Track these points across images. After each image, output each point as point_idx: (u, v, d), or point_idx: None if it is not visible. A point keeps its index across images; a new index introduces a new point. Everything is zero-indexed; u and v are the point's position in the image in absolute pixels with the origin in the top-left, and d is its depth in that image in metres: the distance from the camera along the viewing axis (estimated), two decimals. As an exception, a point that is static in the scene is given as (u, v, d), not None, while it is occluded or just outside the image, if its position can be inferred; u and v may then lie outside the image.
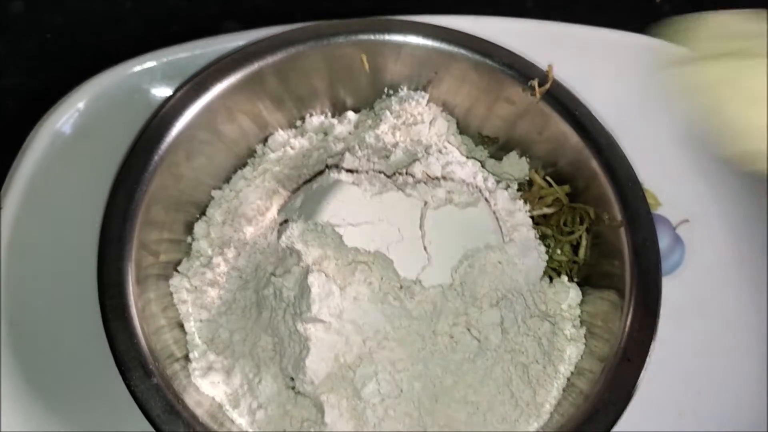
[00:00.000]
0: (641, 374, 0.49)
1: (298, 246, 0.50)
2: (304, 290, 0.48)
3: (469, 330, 0.50)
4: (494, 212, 0.55)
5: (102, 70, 0.66)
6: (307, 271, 0.49)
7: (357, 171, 0.54)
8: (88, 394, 0.57)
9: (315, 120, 0.64)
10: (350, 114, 0.64)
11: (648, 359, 0.50)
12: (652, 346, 0.50)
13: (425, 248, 0.49)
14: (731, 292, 0.67)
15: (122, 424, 0.55)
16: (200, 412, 0.48)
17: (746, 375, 0.64)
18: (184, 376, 0.51)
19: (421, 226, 0.49)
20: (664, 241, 0.64)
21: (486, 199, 0.55)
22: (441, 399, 0.50)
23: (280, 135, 0.64)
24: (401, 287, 0.49)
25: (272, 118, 0.64)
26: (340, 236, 0.49)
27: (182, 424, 0.46)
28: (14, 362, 0.56)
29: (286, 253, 0.52)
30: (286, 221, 0.53)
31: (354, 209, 0.50)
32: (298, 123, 0.65)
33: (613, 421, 0.48)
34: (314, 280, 0.48)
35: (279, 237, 0.52)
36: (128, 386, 0.47)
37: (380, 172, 0.54)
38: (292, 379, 0.51)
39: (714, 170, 0.73)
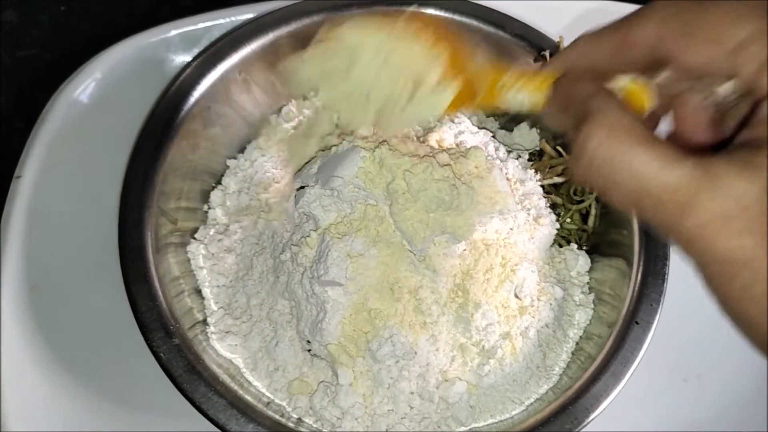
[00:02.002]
0: (648, 336, 0.51)
1: (315, 211, 0.51)
2: (321, 254, 0.49)
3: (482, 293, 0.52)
4: (507, 180, 0.56)
5: (115, 42, 0.66)
6: (324, 235, 0.50)
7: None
8: (109, 357, 0.58)
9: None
10: (363, 85, 0.65)
11: (655, 322, 0.51)
12: (659, 310, 0.51)
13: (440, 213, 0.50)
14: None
15: (142, 387, 0.57)
16: (220, 373, 0.49)
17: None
18: (204, 339, 0.53)
19: (435, 191, 0.49)
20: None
21: (499, 168, 0.56)
22: (455, 360, 0.52)
23: (293, 106, 0.65)
24: (416, 254, 0.51)
25: (285, 89, 0.64)
26: (356, 198, 0.50)
27: (203, 383, 0.47)
28: (36, 327, 0.57)
29: (302, 218, 0.53)
30: (302, 187, 0.54)
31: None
32: (311, 94, 0.66)
33: (620, 383, 0.50)
34: (331, 244, 0.49)
35: (296, 203, 0.53)
36: (150, 347, 0.48)
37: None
38: (309, 342, 0.53)
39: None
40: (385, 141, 0.52)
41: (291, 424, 0.49)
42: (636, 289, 0.53)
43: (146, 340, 0.48)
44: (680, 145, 0.30)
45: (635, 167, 0.28)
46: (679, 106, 0.34)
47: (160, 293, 0.50)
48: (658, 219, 0.29)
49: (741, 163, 0.27)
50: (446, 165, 0.51)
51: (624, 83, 0.34)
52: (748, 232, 0.26)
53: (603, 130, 0.29)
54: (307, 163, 0.59)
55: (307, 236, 0.51)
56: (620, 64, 0.34)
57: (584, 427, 0.48)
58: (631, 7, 0.74)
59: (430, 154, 0.51)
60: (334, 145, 0.56)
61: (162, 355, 0.48)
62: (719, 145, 0.32)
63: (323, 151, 0.57)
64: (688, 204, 0.27)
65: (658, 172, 0.28)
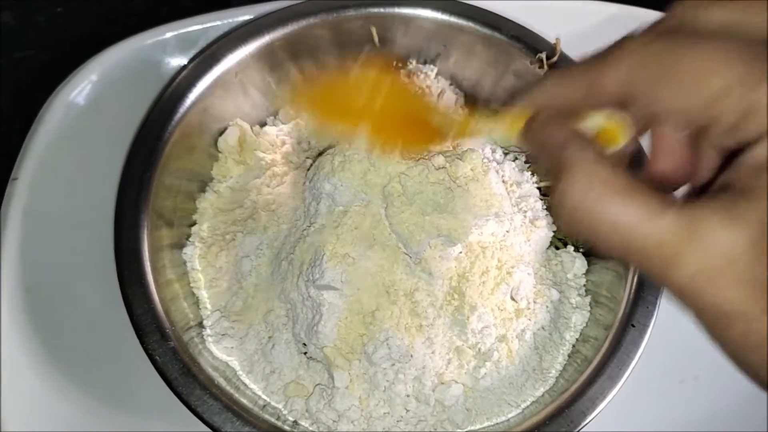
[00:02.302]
0: (645, 339, 0.51)
1: (311, 211, 0.51)
2: (316, 257, 0.49)
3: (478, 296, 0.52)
4: (503, 182, 0.56)
5: (112, 43, 0.66)
6: (320, 239, 0.50)
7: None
8: (105, 360, 0.58)
9: (324, 93, 0.65)
10: (359, 87, 0.65)
11: (652, 324, 0.51)
12: (656, 312, 0.51)
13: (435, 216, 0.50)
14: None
15: (138, 389, 0.57)
16: (215, 376, 0.49)
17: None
18: (199, 341, 0.53)
19: (431, 194, 0.49)
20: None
21: (495, 171, 0.56)
22: (451, 362, 0.52)
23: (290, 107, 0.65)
24: (411, 257, 0.50)
25: (282, 91, 0.65)
26: (352, 201, 0.50)
27: (199, 386, 0.47)
28: (32, 329, 0.57)
29: (298, 220, 0.53)
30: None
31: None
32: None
33: (617, 386, 0.50)
34: (327, 247, 0.49)
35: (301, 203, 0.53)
36: (146, 350, 0.48)
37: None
38: (305, 345, 0.53)
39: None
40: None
41: (287, 427, 0.49)
42: (632, 291, 0.53)
43: (142, 343, 0.48)
44: (658, 174, 0.30)
45: (617, 221, 0.27)
46: (656, 138, 0.34)
47: (155, 296, 0.50)
48: (646, 270, 0.28)
49: (723, 211, 0.27)
50: (442, 167, 0.51)
51: (597, 121, 0.34)
52: (735, 284, 0.26)
53: (580, 183, 0.28)
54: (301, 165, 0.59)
55: (302, 239, 0.51)
56: (592, 103, 0.33)
57: (580, 430, 0.48)
58: (625, 8, 0.74)
59: (426, 157, 0.51)
60: (330, 146, 0.56)
61: (157, 358, 0.48)
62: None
63: (320, 155, 0.56)
64: (674, 257, 0.26)
65: (641, 225, 0.27)
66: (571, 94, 0.34)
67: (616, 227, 0.28)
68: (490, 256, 0.52)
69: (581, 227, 0.29)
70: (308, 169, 0.56)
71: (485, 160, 0.55)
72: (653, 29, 0.32)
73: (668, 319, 0.53)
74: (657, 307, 0.52)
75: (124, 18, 0.79)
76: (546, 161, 0.32)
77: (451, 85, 0.66)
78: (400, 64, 0.58)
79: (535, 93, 0.35)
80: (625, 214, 0.27)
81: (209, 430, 0.47)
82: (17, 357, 0.56)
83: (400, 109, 0.43)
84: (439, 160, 0.51)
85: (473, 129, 0.39)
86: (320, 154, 0.57)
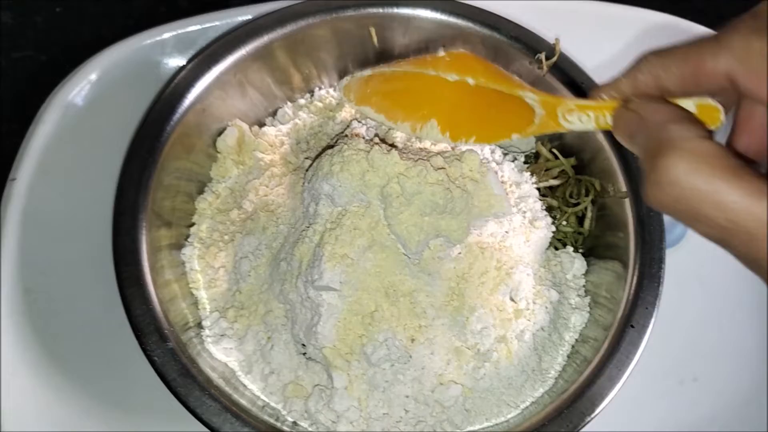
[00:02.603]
0: (644, 340, 0.51)
1: (310, 212, 0.51)
2: (315, 258, 0.49)
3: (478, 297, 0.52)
4: (502, 183, 0.56)
5: (110, 43, 0.66)
6: (319, 240, 0.50)
7: (366, 139, 0.55)
8: (103, 360, 0.58)
9: (323, 93, 0.65)
10: (359, 87, 0.65)
11: (651, 325, 0.51)
12: (655, 313, 0.51)
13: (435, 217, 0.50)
14: (732, 264, 0.68)
15: (136, 390, 0.57)
16: (214, 376, 0.49)
17: (746, 344, 0.65)
18: (198, 342, 0.52)
19: (430, 195, 0.49)
20: (667, 216, 0.64)
21: (494, 171, 0.56)
22: (451, 363, 0.52)
23: (289, 108, 0.65)
24: (411, 257, 0.50)
25: (281, 91, 0.64)
26: (351, 202, 0.50)
27: (197, 386, 0.47)
28: (30, 329, 0.57)
29: (297, 221, 0.53)
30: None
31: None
32: (307, 96, 0.66)
33: (616, 387, 0.50)
34: (326, 248, 0.49)
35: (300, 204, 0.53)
36: (144, 351, 0.48)
37: (391, 144, 0.55)
38: (304, 345, 0.52)
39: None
40: (379, 143, 0.52)
41: (286, 428, 0.49)
42: (631, 292, 0.53)
43: (140, 343, 0.48)
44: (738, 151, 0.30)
45: (724, 200, 0.27)
46: (745, 117, 0.34)
47: (154, 296, 0.50)
48: (749, 254, 0.28)
49: None
50: (441, 168, 0.50)
51: (689, 106, 0.34)
52: None
53: (686, 160, 0.28)
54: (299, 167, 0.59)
55: (301, 240, 0.50)
56: (690, 90, 0.34)
57: (580, 430, 0.48)
58: (624, 8, 0.74)
59: (425, 158, 0.51)
60: (329, 146, 0.56)
61: (156, 359, 0.48)
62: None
63: (319, 155, 0.56)
64: None
65: (748, 205, 0.27)
66: (670, 80, 0.34)
67: (723, 208, 0.27)
68: (489, 256, 0.52)
69: (681, 205, 0.28)
70: (307, 170, 0.56)
71: (484, 161, 0.55)
72: (754, 18, 0.32)
73: (667, 320, 0.54)
74: (656, 308, 0.52)
75: (123, 18, 0.79)
76: (642, 141, 0.32)
77: (450, 85, 0.66)
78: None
79: (633, 76, 0.36)
80: (733, 194, 0.27)
81: (208, 430, 0.47)
82: (16, 357, 0.56)
83: (487, 97, 0.43)
84: (438, 160, 0.51)
85: (564, 111, 0.40)
86: (319, 154, 0.57)
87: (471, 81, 0.42)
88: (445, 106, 0.46)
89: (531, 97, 0.41)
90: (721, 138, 0.34)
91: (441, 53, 0.44)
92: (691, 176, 0.28)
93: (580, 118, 0.39)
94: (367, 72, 0.47)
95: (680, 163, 0.28)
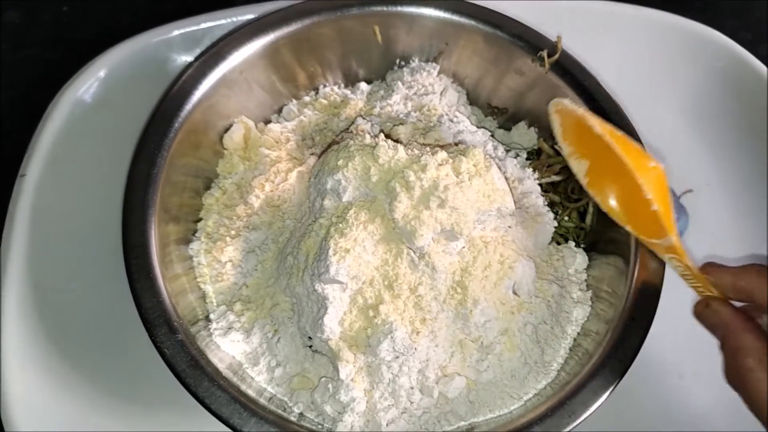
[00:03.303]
0: (646, 333, 0.51)
1: (316, 207, 0.52)
2: (321, 251, 0.50)
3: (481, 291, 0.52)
4: (505, 178, 0.57)
5: (117, 42, 0.67)
6: (325, 234, 0.51)
7: (371, 135, 0.55)
8: (111, 354, 0.59)
9: (328, 91, 0.66)
10: (363, 85, 0.66)
11: (653, 319, 0.52)
12: (656, 305, 0.52)
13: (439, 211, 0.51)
14: (733, 258, 0.69)
15: (144, 383, 0.58)
16: (222, 368, 0.50)
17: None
18: (206, 335, 0.53)
19: (434, 189, 0.50)
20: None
21: (497, 167, 0.57)
22: (455, 355, 0.52)
23: (294, 105, 0.65)
24: (415, 251, 0.51)
25: (286, 89, 0.65)
26: (356, 197, 0.51)
27: (207, 378, 0.48)
28: (40, 324, 0.58)
29: (304, 216, 0.54)
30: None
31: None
32: (312, 94, 0.67)
33: (618, 379, 0.50)
34: (332, 242, 0.49)
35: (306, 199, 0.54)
36: (154, 342, 0.49)
37: (396, 140, 0.56)
38: (310, 338, 0.53)
39: (717, 142, 0.74)
40: (384, 138, 0.53)
41: (293, 419, 0.50)
42: (633, 286, 0.53)
43: (150, 335, 0.49)
44: None
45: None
46: None
47: (163, 289, 0.50)
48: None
49: None
50: (445, 163, 0.51)
51: None
52: None
53: (759, 367, 0.43)
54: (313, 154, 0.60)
55: (308, 234, 0.51)
56: None
57: (582, 422, 0.49)
58: (625, 7, 0.75)
59: (429, 153, 0.52)
60: (335, 142, 0.57)
61: (166, 350, 0.48)
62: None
63: (324, 151, 0.57)
64: None
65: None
66: (763, 299, 0.45)
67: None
68: (492, 250, 0.53)
69: (747, 387, 0.44)
70: (313, 166, 0.56)
71: (487, 156, 0.56)
72: None
73: (668, 314, 0.54)
74: (658, 302, 0.53)
75: (129, 17, 0.80)
76: (723, 334, 0.46)
77: (453, 82, 0.67)
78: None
79: (736, 277, 0.47)
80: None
81: (216, 424, 0.48)
82: (26, 351, 0.57)
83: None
84: (442, 155, 0.52)
85: (673, 259, 0.49)
86: (325, 150, 0.57)
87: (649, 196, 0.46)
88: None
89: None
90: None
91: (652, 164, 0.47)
92: (761, 377, 0.42)
93: (679, 268, 0.49)
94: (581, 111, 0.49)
95: (755, 366, 0.43)
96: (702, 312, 0.48)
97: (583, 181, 0.51)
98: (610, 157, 0.47)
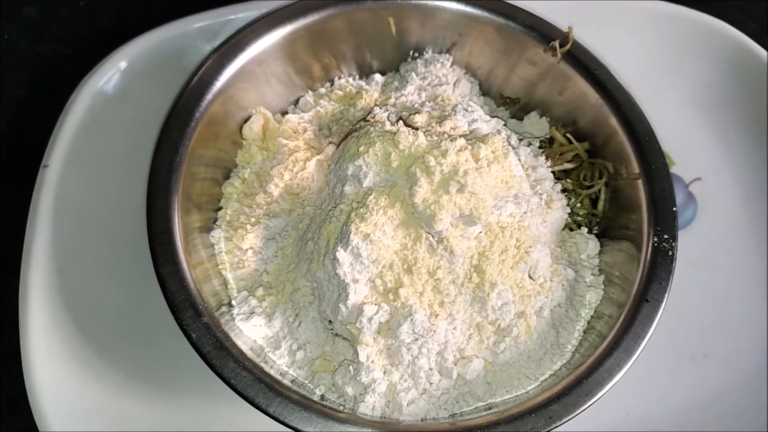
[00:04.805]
0: (659, 313, 0.52)
1: (336, 193, 0.53)
2: (343, 236, 0.51)
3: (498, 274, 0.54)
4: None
5: (133, 36, 0.68)
6: (346, 219, 0.52)
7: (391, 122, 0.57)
8: (134, 339, 0.60)
9: (343, 82, 0.67)
10: (377, 76, 0.67)
11: (665, 300, 0.53)
12: (668, 288, 0.53)
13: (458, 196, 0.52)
14: (741, 245, 0.70)
15: (168, 367, 0.59)
16: (246, 349, 0.51)
17: (755, 321, 0.67)
18: (229, 320, 0.54)
19: (453, 175, 0.51)
20: (677, 198, 0.66)
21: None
22: (472, 338, 0.54)
23: (310, 96, 0.67)
24: (434, 236, 0.52)
25: (302, 81, 0.66)
26: (376, 182, 0.52)
27: (232, 359, 0.49)
28: (64, 309, 0.59)
29: (324, 202, 0.55)
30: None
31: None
32: (327, 85, 0.68)
33: (631, 360, 0.51)
34: (352, 227, 0.51)
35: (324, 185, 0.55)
36: (180, 325, 0.50)
37: (414, 127, 0.57)
38: (331, 321, 0.54)
39: (725, 131, 0.75)
40: (404, 125, 0.54)
41: (316, 398, 0.51)
42: (646, 268, 0.54)
43: (176, 319, 0.50)
44: None
45: None
46: None
47: (188, 274, 0.51)
48: None
49: None
50: (464, 149, 0.52)
51: None
52: None
53: None
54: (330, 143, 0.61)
55: (328, 220, 0.52)
56: None
57: (597, 400, 0.50)
58: (639, 2, 0.75)
59: (448, 139, 0.53)
60: (354, 130, 0.58)
61: (192, 333, 0.49)
62: None
63: (344, 138, 0.58)
64: None
65: None
66: None
67: None
68: (509, 236, 0.54)
69: None
70: (333, 154, 0.57)
71: (504, 144, 0.57)
72: None
73: (678, 299, 0.56)
74: (670, 283, 0.54)
75: (145, 12, 0.81)
76: None
77: (466, 73, 0.68)
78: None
79: None
80: None
81: (238, 408, 0.49)
82: (51, 337, 0.58)
83: None
84: (461, 141, 0.53)
85: None
86: (344, 138, 0.59)
87: None
88: None
89: None
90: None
91: None
92: None
93: None
94: None
95: None
96: None
97: None
98: None
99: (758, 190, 0.73)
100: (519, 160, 0.60)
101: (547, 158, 0.62)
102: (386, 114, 0.59)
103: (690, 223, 0.70)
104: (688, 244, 0.65)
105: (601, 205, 0.62)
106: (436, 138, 0.53)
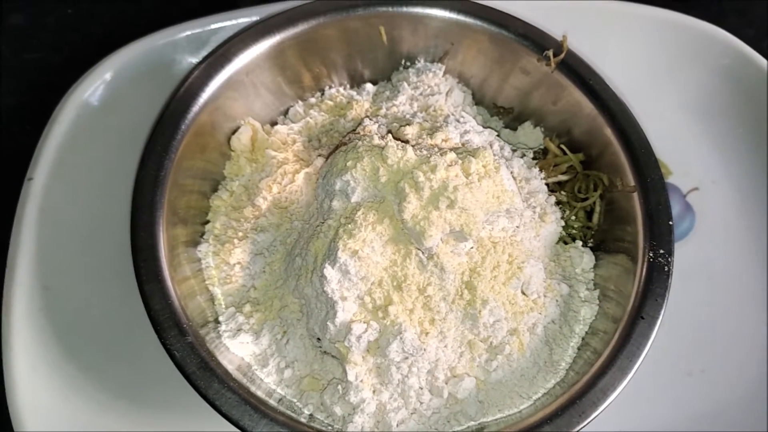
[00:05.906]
0: (654, 331, 0.51)
1: (324, 208, 0.52)
2: (330, 252, 0.50)
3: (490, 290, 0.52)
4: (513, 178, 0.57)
5: (121, 44, 0.67)
6: (334, 235, 0.51)
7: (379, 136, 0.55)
8: (120, 356, 0.59)
9: (333, 92, 0.66)
10: (368, 86, 0.66)
11: (661, 317, 0.52)
12: (664, 305, 0.52)
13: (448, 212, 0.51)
14: (740, 256, 0.69)
15: (152, 385, 0.58)
16: (232, 369, 0.50)
17: (752, 336, 0.66)
18: (216, 337, 0.53)
19: (443, 190, 0.50)
20: (675, 209, 0.66)
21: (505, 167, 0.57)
22: (464, 356, 0.53)
23: (300, 107, 0.65)
24: (424, 252, 0.51)
25: (292, 90, 0.65)
26: (365, 198, 0.51)
27: (216, 379, 0.48)
28: (49, 326, 0.58)
29: (311, 217, 0.54)
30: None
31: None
32: (317, 95, 0.67)
33: (627, 378, 0.50)
34: (341, 243, 0.49)
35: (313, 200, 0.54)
36: (164, 345, 0.49)
37: (404, 141, 0.56)
38: (319, 339, 0.53)
39: (723, 139, 0.74)
40: (393, 140, 0.53)
41: (303, 420, 0.50)
42: (641, 284, 0.53)
43: (160, 338, 0.49)
44: None
45: None
46: None
47: (172, 292, 0.50)
48: None
49: None
50: (454, 164, 0.51)
51: None
52: None
53: None
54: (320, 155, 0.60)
55: (316, 236, 0.51)
56: None
57: (591, 420, 0.49)
58: (630, 6, 0.75)
59: (438, 153, 0.52)
60: (342, 143, 0.57)
61: (176, 352, 0.48)
62: None
63: (333, 152, 0.57)
64: None
65: None
66: None
67: None
68: (501, 251, 0.53)
69: None
70: (320, 167, 0.56)
71: (496, 157, 0.56)
72: None
73: (675, 313, 0.54)
74: (666, 300, 0.53)
75: (134, 19, 0.80)
76: None
77: (459, 83, 0.67)
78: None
79: None
80: None
81: (225, 426, 0.48)
82: (35, 353, 0.57)
83: None
84: (451, 156, 0.52)
85: None
86: (333, 151, 0.57)
87: None
88: None
89: None
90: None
91: None
92: None
93: None
94: None
95: None
96: None
97: None
98: None
99: (757, 200, 0.72)
100: (512, 172, 0.59)
101: (541, 170, 0.61)
102: (376, 126, 0.58)
103: (687, 234, 0.69)
104: (685, 255, 0.64)
105: (596, 217, 0.61)
106: (425, 152, 0.52)
